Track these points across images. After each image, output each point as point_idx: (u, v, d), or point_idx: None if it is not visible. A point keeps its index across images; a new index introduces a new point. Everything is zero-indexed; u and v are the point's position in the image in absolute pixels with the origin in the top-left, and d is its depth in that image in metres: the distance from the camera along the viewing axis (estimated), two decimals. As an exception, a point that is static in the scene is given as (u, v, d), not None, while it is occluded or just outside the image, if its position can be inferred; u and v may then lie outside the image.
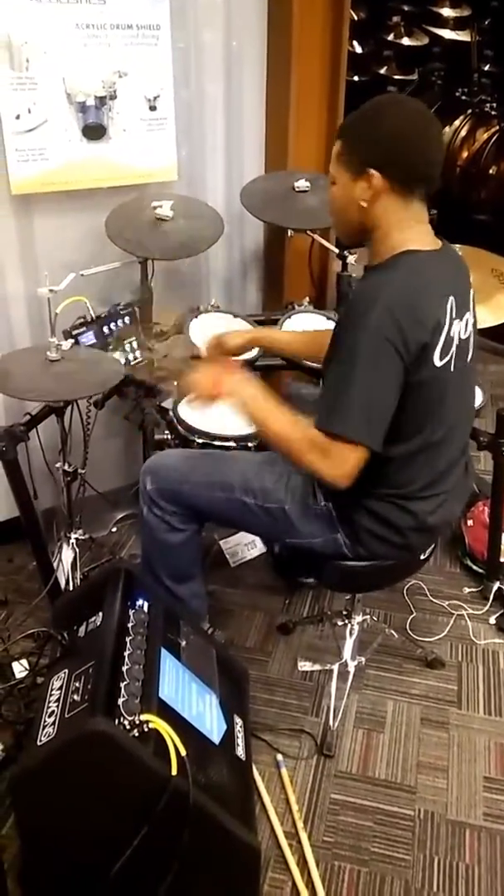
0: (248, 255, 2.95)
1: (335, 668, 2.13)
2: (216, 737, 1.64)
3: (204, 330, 2.39)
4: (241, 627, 2.38)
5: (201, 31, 2.51)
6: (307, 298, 2.68)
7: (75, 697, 1.50)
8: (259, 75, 2.70)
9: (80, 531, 2.38)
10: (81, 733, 1.39)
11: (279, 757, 1.97)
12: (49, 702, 1.55)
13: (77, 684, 1.53)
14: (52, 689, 1.59)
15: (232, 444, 2.10)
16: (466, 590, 2.54)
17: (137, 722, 1.40)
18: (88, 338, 2.22)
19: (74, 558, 2.33)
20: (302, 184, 2.51)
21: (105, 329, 2.27)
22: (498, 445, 2.29)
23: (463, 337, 1.64)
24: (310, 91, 2.72)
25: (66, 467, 2.26)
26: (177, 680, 1.62)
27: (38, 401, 2.07)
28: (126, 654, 1.56)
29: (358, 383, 1.52)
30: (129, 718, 1.40)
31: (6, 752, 1.82)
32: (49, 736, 1.46)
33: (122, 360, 2.28)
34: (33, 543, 2.19)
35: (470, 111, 4.83)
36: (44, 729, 1.49)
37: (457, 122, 4.84)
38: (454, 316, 1.59)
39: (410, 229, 1.59)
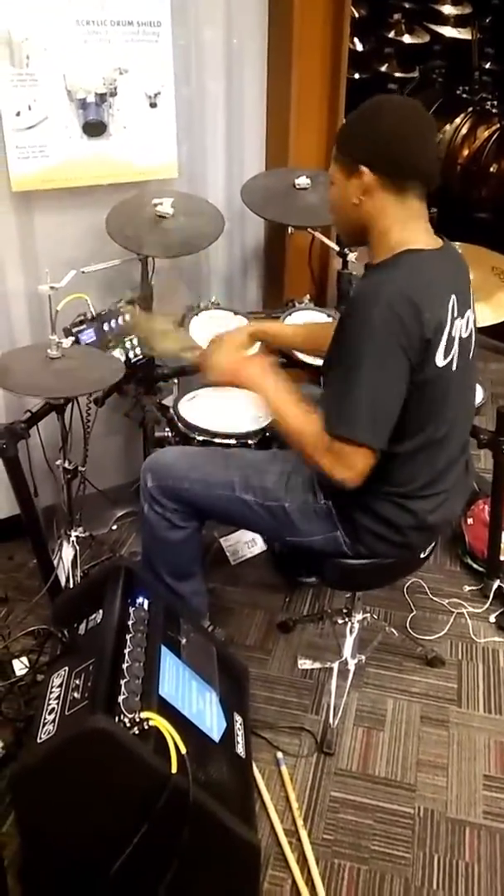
0: (249, 252, 2.95)
1: (335, 666, 2.13)
2: (216, 734, 1.64)
3: (204, 327, 2.40)
4: (241, 625, 2.38)
5: (202, 28, 2.50)
6: (308, 296, 2.67)
7: (75, 695, 1.50)
8: (260, 72, 2.69)
9: (81, 529, 2.38)
10: (82, 731, 1.39)
11: (279, 755, 1.97)
12: (49, 699, 1.55)
13: (77, 682, 1.53)
14: (52, 687, 1.59)
15: (232, 441, 2.10)
16: (466, 588, 2.54)
17: (137, 719, 1.40)
18: (89, 335, 2.22)
19: (75, 556, 2.33)
20: (302, 181, 2.51)
21: (105, 326, 2.27)
22: (498, 443, 2.29)
23: (464, 335, 1.64)
24: (310, 88, 2.72)
25: (66, 465, 2.25)
26: (177, 678, 1.61)
27: (38, 397, 2.06)
28: (126, 651, 1.56)
29: (364, 385, 1.52)
30: (130, 716, 1.40)
31: (6, 749, 1.82)
32: (49, 733, 1.46)
33: (123, 358, 2.28)
34: (34, 541, 2.19)
35: (471, 109, 4.82)
36: (44, 726, 1.49)
37: (457, 120, 4.83)
38: (456, 314, 1.59)
39: (409, 227, 1.59)
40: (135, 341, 2.35)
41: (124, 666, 1.52)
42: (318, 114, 2.79)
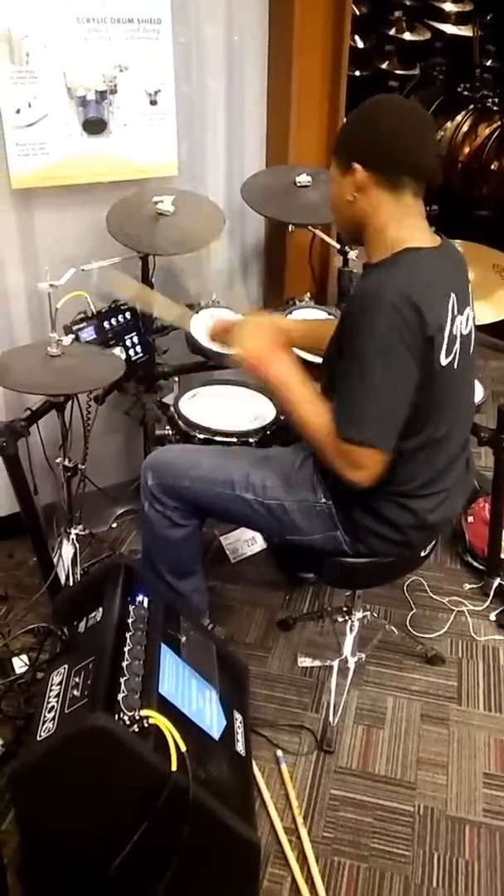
0: (249, 250, 2.94)
1: (335, 664, 2.13)
2: (216, 732, 1.64)
3: (205, 325, 2.39)
4: (241, 623, 2.38)
5: (202, 25, 2.50)
6: (308, 294, 2.67)
7: (75, 693, 1.50)
8: (260, 70, 2.69)
9: (81, 527, 2.38)
10: (81, 728, 1.39)
11: (279, 753, 1.97)
12: (49, 697, 1.55)
13: (77, 680, 1.53)
14: (51, 685, 1.58)
15: (233, 439, 2.10)
16: (467, 586, 2.54)
17: (137, 717, 1.40)
18: (89, 333, 2.22)
19: (74, 554, 2.33)
20: (303, 178, 2.51)
21: (105, 324, 2.27)
22: (499, 441, 2.29)
23: (464, 333, 1.64)
24: (311, 86, 2.72)
25: (66, 463, 2.25)
26: (177, 676, 1.62)
27: (38, 395, 2.06)
28: (126, 649, 1.56)
29: (372, 387, 1.52)
30: (129, 714, 1.40)
31: (6, 747, 1.82)
32: (49, 731, 1.46)
33: (123, 356, 2.28)
34: (33, 539, 2.19)
35: (472, 106, 4.81)
36: (43, 724, 1.49)
37: (458, 118, 4.82)
38: (455, 312, 1.59)
39: (406, 225, 1.59)
40: (135, 339, 2.35)
41: (124, 664, 1.52)
42: (319, 111, 2.79)
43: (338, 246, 2.66)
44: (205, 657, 1.80)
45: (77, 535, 2.36)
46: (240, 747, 1.72)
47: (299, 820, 1.81)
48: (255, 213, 2.63)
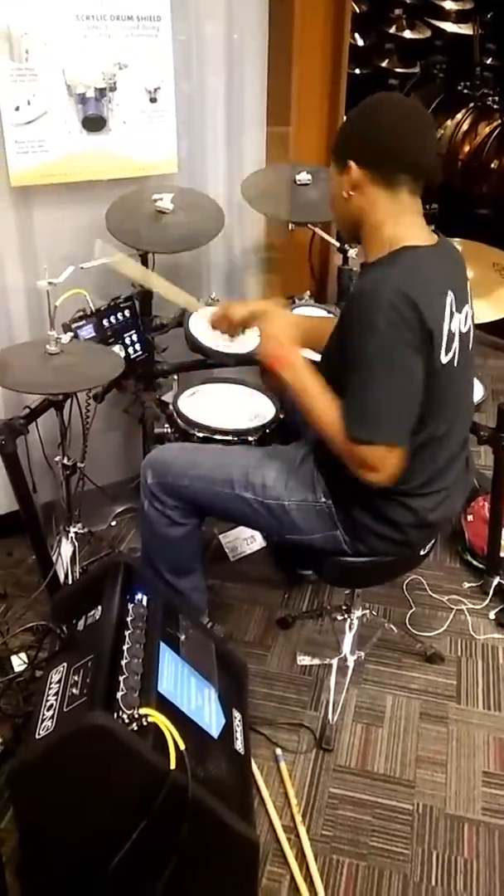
0: (249, 248, 2.94)
1: (334, 662, 2.13)
2: (215, 731, 1.64)
3: (204, 323, 2.39)
4: (240, 621, 2.38)
5: (202, 22, 2.49)
6: (308, 292, 2.67)
7: (74, 691, 1.50)
8: (260, 68, 2.68)
9: (80, 525, 2.38)
10: (80, 727, 1.39)
11: (278, 751, 1.97)
12: (48, 695, 1.55)
13: (76, 678, 1.53)
14: (50, 683, 1.58)
15: (232, 438, 2.10)
16: (466, 585, 2.54)
17: (136, 716, 1.40)
18: (88, 331, 2.22)
19: (73, 552, 2.33)
20: (303, 177, 2.50)
21: (105, 322, 2.27)
22: (498, 440, 2.29)
23: (463, 331, 1.64)
24: (311, 84, 2.72)
25: (65, 461, 2.25)
26: (176, 674, 1.61)
27: (37, 394, 2.06)
28: (125, 647, 1.56)
29: (382, 387, 1.53)
30: (128, 712, 1.40)
31: (5, 745, 1.82)
32: (48, 729, 1.46)
33: (122, 354, 2.28)
34: (32, 537, 2.19)
35: (472, 105, 4.81)
36: (42, 722, 1.49)
37: (458, 116, 4.82)
38: (454, 310, 1.59)
39: (403, 223, 1.59)
40: (134, 337, 2.34)
41: (123, 662, 1.52)
42: (319, 109, 2.79)
43: (337, 244, 2.65)
44: (204, 655, 1.80)
45: (76, 533, 2.36)
46: (239, 746, 1.72)
47: (298, 818, 1.81)
48: (254, 212, 2.63)
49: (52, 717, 1.48)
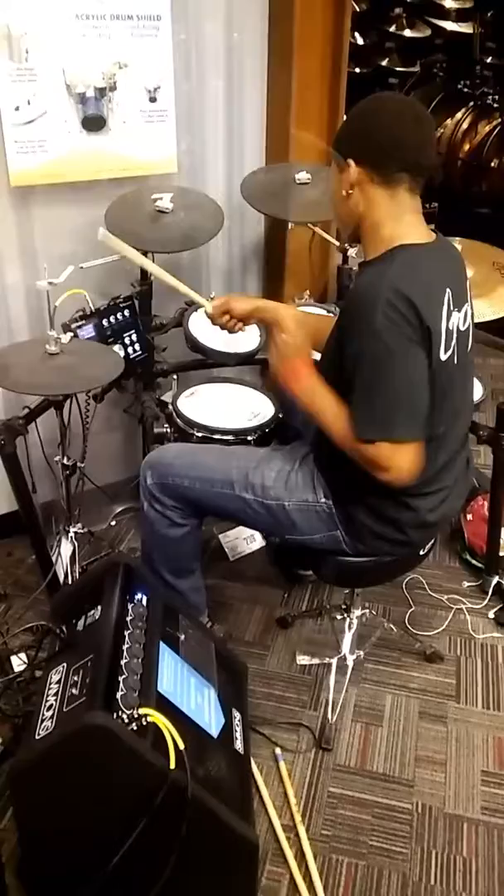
0: (249, 247, 2.94)
1: (334, 661, 2.13)
2: (214, 731, 1.65)
3: (204, 323, 2.39)
4: (239, 621, 2.38)
5: (202, 22, 2.49)
6: (308, 291, 2.67)
7: (73, 691, 1.50)
8: (260, 67, 2.68)
9: (79, 525, 2.38)
10: (79, 727, 1.39)
11: (277, 750, 1.97)
12: (47, 695, 1.55)
13: (75, 678, 1.53)
14: (50, 683, 1.59)
15: (231, 437, 2.10)
16: (465, 584, 2.54)
17: (136, 716, 1.40)
18: (88, 331, 2.22)
19: (73, 552, 2.33)
20: (303, 176, 2.50)
21: (104, 322, 2.27)
22: (498, 439, 2.29)
23: (462, 329, 1.64)
24: (311, 83, 2.71)
25: (64, 461, 2.25)
26: (175, 674, 1.62)
27: (37, 394, 2.06)
28: (125, 647, 1.56)
29: (386, 385, 1.53)
30: (128, 712, 1.40)
31: (4, 745, 1.83)
32: (47, 729, 1.46)
33: (122, 354, 2.28)
34: (32, 537, 2.19)
35: (472, 103, 4.82)
36: (42, 722, 1.49)
37: (458, 115, 4.83)
38: (452, 308, 1.59)
39: (402, 222, 1.59)
40: (134, 336, 2.34)
41: (122, 662, 1.52)
42: (319, 108, 2.78)
43: (337, 243, 2.65)
44: (203, 655, 1.80)
45: (76, 533, 2.36)
46: (238, 745, 1.73)
47: (298, 818, 1.81)
48: (254, 211, 2.63)
49: (51, 717, 1.48)
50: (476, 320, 1.76)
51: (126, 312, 2.32)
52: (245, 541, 2.61)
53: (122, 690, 1.45)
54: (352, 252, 2.62)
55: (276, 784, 1.90)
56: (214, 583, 2.44)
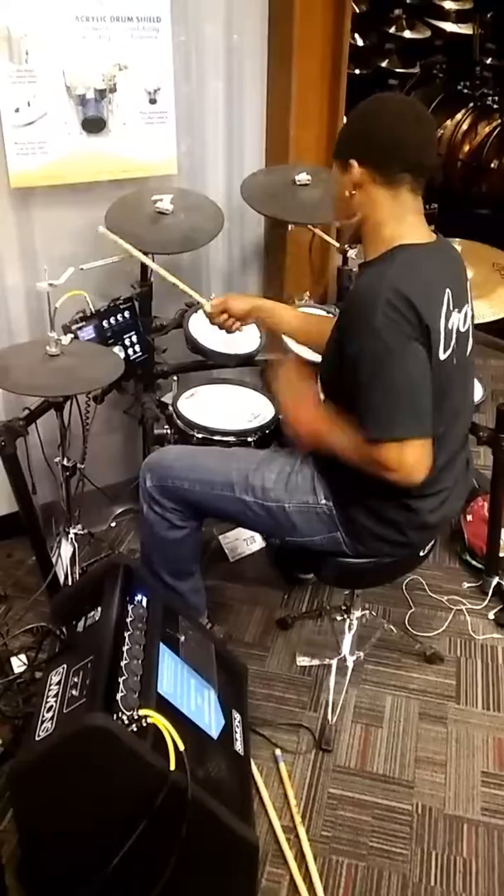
0: (249, 249, 2.94)
1: (334, 662, 2.13)
2: (214, 732, 1.65)
3: (204, 324, 2.39)
4: (239, 622, 2.38)
5: (202, 24, 2.49)
6: (307, 293, 2.67)
7: (73, 692, 1.50)
8: (260, 68, 2.68)
9: (79, 526, 2.38)
10: (80, 728, 1.39)
11: (277, 752, 1.97)
12: (47, 697, 1.55)
13: (75, 679, 1.53)
14: (50, 684, 1.59)
15: (232, 439, 2.10)
16: (465, 585, 2.54)
17: (136, 717, 1.40)
18: (88, 332, 2.22)
19: (73, 553, 2.33)
20: (303, 177, 2.50)
21: (104, 323, 2.27)
22: (498, 440, 2.29)
23: (462, 329, 1.64)
24: (311, 84, 2.71)
25: (65, 462, 2.25)
26: (175, 675, 1.62)
27: (37, 396, 2.06)
28: (125, 649, 1.56)
29: (388, 384, 1.52)
30: (128, 713, 1.40)
31: (4, 746, 1.83)
32: (47, 731, 1.47)
33: (122, 355, 2.28)
34: (32, 538, 2.19)
35: (472, 105, 4.82)
36: (42, 724, 1.49)
37: (458, 116, 4.83)
38: (452, 308, 1.59)
39: (404, 222, 1.60)
40: (134, 338, 2.35)
41: (123, 663, 1.52)
42: (319, 110, 2.78)
43: (337, 244, 2.65)
44: (203, 656, 1.80)
45: (76, 534, 2.36)
46: (238, 746, 1.73)
47: (298, 819, 1.81)
48: (254, 212, 2.63)
49: (51, 718, 1.49)
50: (476, 321, 1.76)
51: (126, 314, 2.32)
52: (245, 542, 2.61)
53: (122, 692, 1.45)
54: (352, 253, 2.62)
55: (276, 785, 1.90)
56: (214, 584, 2.44)
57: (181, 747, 1.41)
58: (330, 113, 2.80)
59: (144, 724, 1.41)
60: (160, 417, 2.35)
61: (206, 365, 2.46)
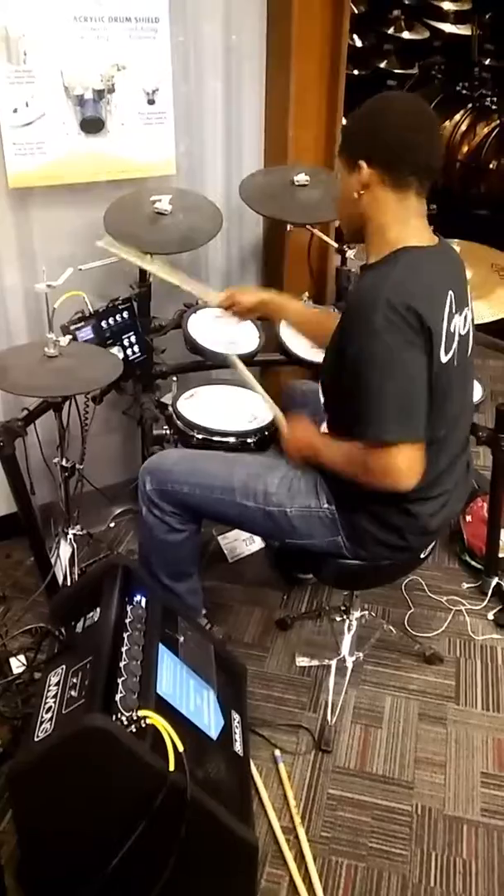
0: (247, 249, 2.94)
1: (333, 663, 2.13)
2: (214, 732, 1.64)
3: (203, 325, 2.39)
4: (239, 623, 2.38)
5: (200, 24, 2.49)
6: (306, 293, 2.67)
7: (72, 693, 1.50)
8: (258, 69, 2.68)
9: (78, 527, 2.38)
10: (78, 729, 1.39)
11: (277, 752, 1.97)
12: (46, 697, 1.55)
13: (74, 680, 1.53)
14: (49, 685, 1.58)
15: (231, 439, 2.10)
16: (465, 585, 2.54)
17: (135, 718, 1.40)
18: (86, 333, 2.22)
19: (72, 554, 2.33)
20: (301, 178, 2.50)
21: (103, 324, 2.26)
22: (497, 441, 2.29)
23: (462, 332, 1.64)
24: (309, 85, 2.71)
25: (63, 463, 2.25)
26: (174, 676, 1.61)
27: (35, 397, 2.06)
28: (124, 649, 1.56)
29: (386, 388, 1.52)
30: (127, 714, 1.40)
31: (3, 747, 1.82)
32: (46, 732, 1.46)
33: (121, 355, 2.28)
34: (31, 539, 2.19)
35: (470, 105, 4.82)
36: (41, 725, 1.49)
37: (457, 117, 4.83)
38: (454, 311, 1.59)
39: (408, 225, 1.59)
40: (133, 338, 2.34)
41: (122, 664, 1.52)
42: (318, 110, 2.78)
43: (336, 245, 2.65)
44: (203, 657, 1.80)
45: (75, 535, 2.36)
46: (238, 747, 1.72)
47: (297, 820, 1.81)
48: (253, 213, 2.63)
49: (50, 719, 1.48)
50: (475, 322, 1.76)
51: (125, 314, 2.32)
52: (244, 542, 2.61)
53: (121, 692, 1.45)
54: (350, 254, 2.62)
55: (275, 786, 1.90)
56: (213, 584, 2.44)
57: (180, 748, 1.40)
58: (329, 113, 2.80)
59: (143, 725, 1.40)
60: (159, 418, 2.35)
61: (205, 365, 2.45)
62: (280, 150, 2.75)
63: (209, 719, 1.65)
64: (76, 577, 2.31)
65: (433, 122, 1.67)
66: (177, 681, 1.61)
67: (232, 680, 1.90)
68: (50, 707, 1.51)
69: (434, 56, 4.87)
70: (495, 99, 4.80)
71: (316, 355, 2.25)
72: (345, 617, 2.16)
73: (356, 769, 1.95)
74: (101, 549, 2.54)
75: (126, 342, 2.33)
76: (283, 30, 2.60)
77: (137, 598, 1.71)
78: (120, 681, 1.48)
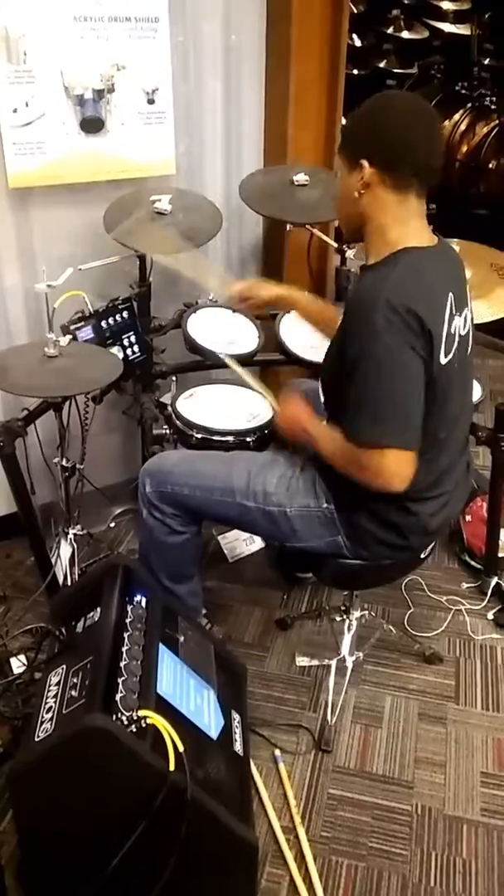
0: (247, 249, 2.94)
1: (333, 663, 2.13)
2: (214, 732, 1.65)
3: (202, 325, 2.39)
4: (239, 623, 2.38)
5: (200, 24, 2.49)
6: (306, 293, 2.66)
7: (73, 693, 1.50)
8: (258, 69, 2.68)
9: (79, 526, 2.38)
10: (79, 729, 1.39)
11: (277, 752, 1.97)
12: (47, 697, 1.55)
13: (75, 680, 1.53)
14: (49, 685, 1.58)
15: (231, 439, 2.10)
16: (464, 585, 2.54)
17: (135, 717, 1.40)
18: (86, 333, 2.22)
19: (72, 554, 2.33)
20: (301, 178, 2.50)
21: (103, 324, 2.26)
22: (497, 441, 2.29)
23: (462, 333, 1.64)
24: (309, 85, 2.71)
25: (63, 462, 2.25)
26: (175, 676, 1.62)
27: (35, 397, 2.06)
28: (124, 649, 1.56)
29: (382, 390, 1.52)
30: (127, 714, 1.40)
31: (4, 747, 1.83)
32: (46, 731, 1.46)
33: (121, 355, 2.28)
34: (31, 539, 2.19)
35: (469, 105, 4.82)
36: (41, 725, 1.49)
37: (456, 116, 4.83)
38: (454, 312, 1.59)
39: (408, 226, 1.59)
40: (133, 338, 2.34)
41: (122, 664, 1.52)
42: (317, 110, 2.78)
43: (335, 245, 2.65)
44: (203, 657, 1.80)
45: (75, 534, 2.36)
46: (238, 747, 1.73)
47: (297, 819, 1.81)
48: (252, 213, 2.63)
49: (50, 719, 1.48)
50: (474, 322, 1.76)
51: (125, 314, 2.32)
52: (244, 542, 2.61)
53: (121, 692, 1.45)
54: (350, 254, 2.62)
55: (275, 786, 1.90)
56: (213, 584, 2.44)
57: (180, 748, 1.40)
58: (328, 113, 2.80)
59: (144, 725, 1.41)
60: (159, 417, 2.35)
61: (205, 365, 2.45)
62: (280, 150, 2.75)
63: (209, 719, 1.65)
64: (76, 577, 2.31)
65: (434, 122, 1.66)
66: (177, 681, 1.61)
67: (232, 680, 1.90)
68: (50, 707, 1.51)
69: (433, 56, 4.87)
70: (494, 98, 4.80)
71: (315, 355, 2.25)
72: (345, 617, 2.16)
73: (356, 769, 1.96)
74: (101, 549, 2.54)
75: (126, 342, 2.33)
76: (282, 30, 2.60)
77: (138, 597, 1.71)
78: (120, 681, 1.48)
